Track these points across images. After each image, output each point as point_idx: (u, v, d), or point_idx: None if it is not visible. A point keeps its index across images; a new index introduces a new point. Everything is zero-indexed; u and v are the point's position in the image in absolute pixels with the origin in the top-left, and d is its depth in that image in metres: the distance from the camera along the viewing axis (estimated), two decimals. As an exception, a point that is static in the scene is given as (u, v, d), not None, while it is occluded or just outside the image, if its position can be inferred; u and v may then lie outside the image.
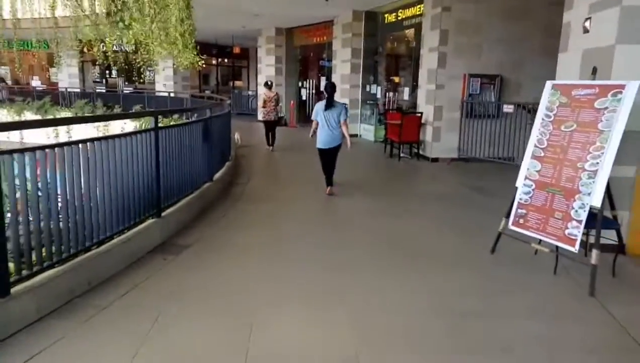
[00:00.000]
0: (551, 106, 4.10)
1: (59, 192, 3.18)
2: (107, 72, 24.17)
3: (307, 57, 17.80)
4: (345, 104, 6.93)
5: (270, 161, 9.72)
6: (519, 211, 4.13)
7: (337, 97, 13.56)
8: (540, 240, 3.94)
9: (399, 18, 11.62)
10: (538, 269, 3.98)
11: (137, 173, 4.08)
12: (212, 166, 6.33)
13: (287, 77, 17.48)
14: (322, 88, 15.56)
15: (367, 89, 13.33)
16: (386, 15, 12.33)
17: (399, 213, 5.84)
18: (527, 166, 4.18)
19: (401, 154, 9.58)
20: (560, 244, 3.75)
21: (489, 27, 9.03)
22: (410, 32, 11.76)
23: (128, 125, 12.99)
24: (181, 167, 5.09)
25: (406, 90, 11.51)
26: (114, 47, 16.28)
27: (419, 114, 9.44)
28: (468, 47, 9.09)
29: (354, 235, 4.99)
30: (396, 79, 12.97)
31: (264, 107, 10.77)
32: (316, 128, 6.61)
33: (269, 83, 11.23)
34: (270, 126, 10.81)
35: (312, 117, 6.69)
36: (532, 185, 4.08)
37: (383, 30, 12.77)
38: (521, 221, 4.09)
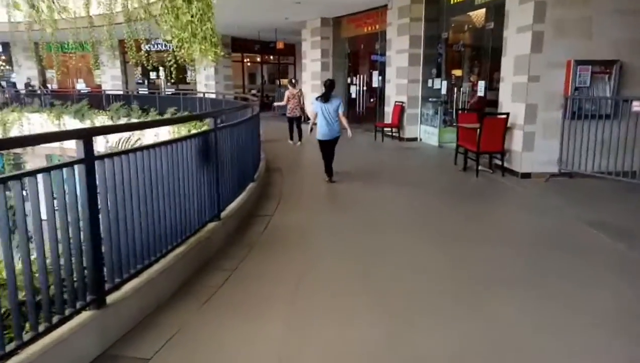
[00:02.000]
0: None
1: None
2: (150, 73, 23.30)
3: (356, 50, 15.73)
4: (341, 97, 7.72)
5: (310, 175, 7.79)
6: None
7: (393, 94, 11.63)
8: None
9: (471, -5, 9.35)
10: None
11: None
12: (222, 197, 4.49)
13: (335, 72, 15.49)
14: (374, 84, 13.60)
15: (429, 84, 11.11)
16: (453, -7, 10.08)
17: (485, 286, 3.67)
18: None
19: (479, 168, 7.35)
20: None
21: (604, -6, 6.66)
22: (481, 13, 9.47)
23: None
24: (160, 209, 3.26)
25: (481, 85, 9.20)
26: (148, 45, 15.03)
27: (504, 116, 7.17)
28: (574, 23, 6.72)
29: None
30: (458, 73, 10.68)
31: (287, 103, 10.97)
32: (315, 122, 7.01)
33: (293, 81, 11.74)
34: (295, 122, 11.08)
35: (311, 111, 7.15)
36: None
37: (449, 13, 10.49)
38: None
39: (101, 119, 17.79)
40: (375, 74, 13.41)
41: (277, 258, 4.05)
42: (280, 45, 18.13)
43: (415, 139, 11.44)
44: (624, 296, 3.33)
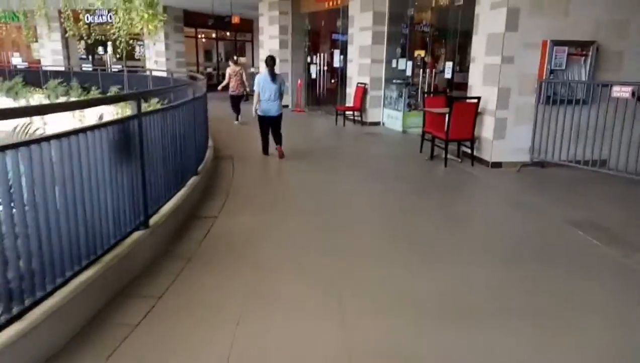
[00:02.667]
0: None
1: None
2: (95, 48, 21.51)
3: (317, 26, 14.85)
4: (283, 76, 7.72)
5: (268, 170, 7.01)
6: None
7: (355, 75, 10.92)
8: None
9: (439, -32, 8.71)
10: None
11: None
12: (151, 198, 3.67)
13: (294, 51, 14.60)
14: (335, 64, 12.83)
15: (393, 65, 10.47)
16: (420, -34, 9.41)
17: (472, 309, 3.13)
18: None
19: (448, 156, 6.80)
20: None
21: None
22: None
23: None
24: (53, 223, 2.44)
25: (448, 66, 8.63)
26: (90, 17, 13.65)
27: (475, 100, 6.62)
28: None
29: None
30: (422, 52, 10.10)
31: (229, 81, 11.00)
32: (259, 101, 6.98)
33: (235, 58, 11.95)
34: (238, 100, 11.09)
35: (254, 89, 7.01)
36: None
37: (415, -13, 9.86)
38: None
39: (38, 98, 16.24)
40: (336, 53, 12.63)
41: (217, 276, 3.31)
42: (236, 19, 16.93)
43: (378, 123, 10.82)
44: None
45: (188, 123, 4.89)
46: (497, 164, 6.60)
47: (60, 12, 11.26)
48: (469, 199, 5.57)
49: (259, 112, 7.02)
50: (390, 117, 10.48)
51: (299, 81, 14.15)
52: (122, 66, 20.94)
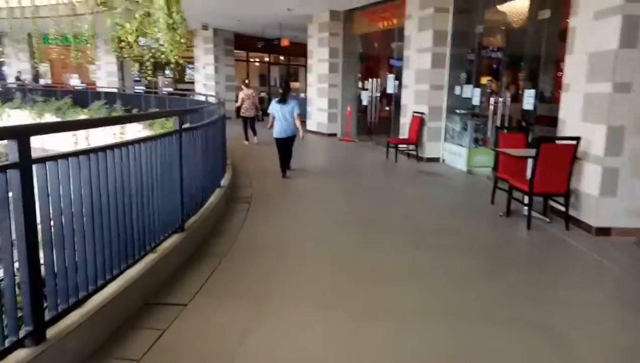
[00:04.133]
0: None
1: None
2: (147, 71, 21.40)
3: (370, 49, 13.52)
4: (296, 101, 7.98)
5: (289, 198, 5.60)
6: None
7: (411, 103, 9.37)
8: None
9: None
10: None
11: None
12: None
13: (345, 76, 13.29)
14: (389, 90, 11.37)
15: (457, 92, 8.85)
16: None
17: None
18: None
19: (532, 214, 5.04)
20: None
21: None
22: None
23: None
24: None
25: (528, 94, 6.88)
26: (140, 40, 13.20)
27: (573, 142, 4.86)
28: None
29: None
30: (491, 78, 8.37)
31: (241, 104, 11.28)
32: (273, 121, 7.46)
33: (246, 82, 11.85)
34: (249, 122, 11.43)
35: (269, 111, 7.50)
36: None
37: (486, 0, 8.25)
38: None
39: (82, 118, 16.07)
40: (390, 78, 11.15)
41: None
42: (285, 42, 15.99)
43: (437, 160, 9.16)
44: None
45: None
46: (604, 231, 4.76)
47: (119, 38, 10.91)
48: (568, 290, 3.69)
49: (274, 135, 7.45)
50: (452, 153, 8.79)
51: (348, 108, 12.77)
52: (174, 89, 20.74)
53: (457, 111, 8.76)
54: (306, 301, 3.21)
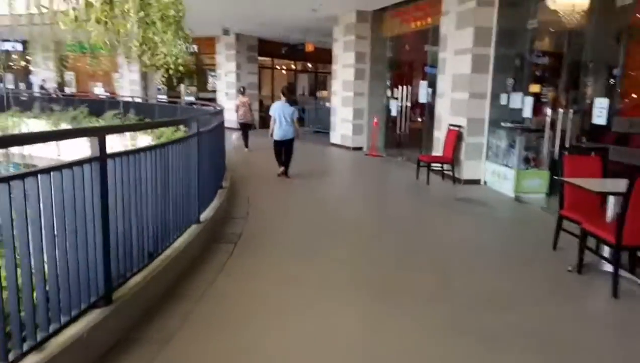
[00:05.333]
0: None
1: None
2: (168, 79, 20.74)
3: (401, 53, 12.11)
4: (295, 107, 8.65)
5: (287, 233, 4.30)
6: None
7: (447, 114, 8.00)
8: None
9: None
10: None
11: None
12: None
13: (372, 83, 11.95)
14: (421, 99, 9.97)
15: (503, 101, 7.39)
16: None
17: None
18: None
19: (619, 275, 3.55)
20: None
21: None
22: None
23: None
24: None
25: (600, 104, 5.37)
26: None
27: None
28: None
29: None
30: (547, 84, 6.84)
31: (236, 111, 11.72)
32: (274, 126, 7.84)
33: (241, 89, 12.47)
34: (246, 128, 11.80)
35: (270, 113, 7.89)
36: None
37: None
38: None
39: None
40: (423, 85, 9.75)
41: None
42: (309, 47, 14.86)
43: (477, 182, 7.68)
44: None
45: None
46: None
47: (141, 45, 10.13)
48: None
49: (275, 137, 7.85)
50: (496, 175, 7.30)
51: (375, 120, 11.42)
52: (196, 98, 19.94)
53: (503, 124, 7.28)
54: None
